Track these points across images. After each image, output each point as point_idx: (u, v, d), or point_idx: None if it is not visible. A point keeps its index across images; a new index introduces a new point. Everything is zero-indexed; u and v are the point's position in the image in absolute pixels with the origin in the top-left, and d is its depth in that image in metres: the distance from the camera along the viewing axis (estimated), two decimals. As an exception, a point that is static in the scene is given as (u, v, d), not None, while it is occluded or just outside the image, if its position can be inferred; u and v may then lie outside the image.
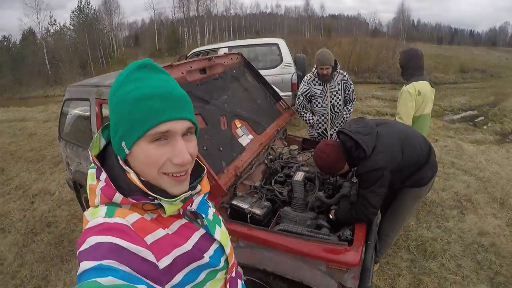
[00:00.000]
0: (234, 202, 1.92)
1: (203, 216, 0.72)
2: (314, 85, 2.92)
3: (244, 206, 1.88)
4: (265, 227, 1.77)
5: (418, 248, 2.87)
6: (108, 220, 0.56)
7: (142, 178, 0.62)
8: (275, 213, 1.97)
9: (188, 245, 0.65)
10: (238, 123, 2.35)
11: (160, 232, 0.62)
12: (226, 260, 0.77)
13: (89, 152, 0.64)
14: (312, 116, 3.03)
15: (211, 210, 0.82)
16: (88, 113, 2.62)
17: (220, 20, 52.93)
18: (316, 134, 3.13)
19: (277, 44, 5.74)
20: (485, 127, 6.91)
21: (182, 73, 2.03)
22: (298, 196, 1.92)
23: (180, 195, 0.64)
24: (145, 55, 34.64)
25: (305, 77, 2.98)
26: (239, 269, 1.16)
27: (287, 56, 5.60)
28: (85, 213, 0.61)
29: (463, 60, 13.98)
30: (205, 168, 0.77)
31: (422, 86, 2.50)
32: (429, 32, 73.95)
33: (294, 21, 59.01)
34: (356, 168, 1.84)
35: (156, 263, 0.56)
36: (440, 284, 2.45)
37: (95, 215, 0.58)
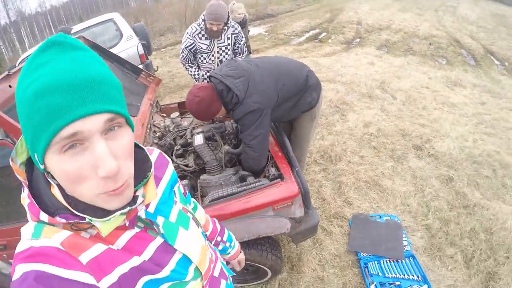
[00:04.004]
0: None
1: (158, 224, 0.59)
2: (200, 39, 2.56)
3: None
4: None
5: (323, 157, 3.18)
6: (34, 243, 0.48)
7: (68, 193, 0.49)
8: (194, 188, 1.79)
9: (138, 260, 0.54)
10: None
11: (99, 248, 0.51)
12: (197, 269, 0.66)
13: (11, 162, 0.51)
14: (198, 71, 2.76)
15: (176, 208, 0.67)
16: None
17: (37, 18, 45.17)
18: None
19: (112, 19, 5.19)
20: (329, 40, 7.90)
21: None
22: (210, 159, 1.78)
23: (117, 210, 0.50)
24: None
25: (190, 28, 2.57)
26: (232, 264, 1.06)
27: (126, 29, 5.11)
28: (21, 228, 0.52)
29: (293, -12, 15.12)
30: (152, 164, 0.60)
31: None
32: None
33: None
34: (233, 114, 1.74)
35: (96, 284, 0.49)
36: (356, 177, 2.80)
37: (24, 235, 0.51)
